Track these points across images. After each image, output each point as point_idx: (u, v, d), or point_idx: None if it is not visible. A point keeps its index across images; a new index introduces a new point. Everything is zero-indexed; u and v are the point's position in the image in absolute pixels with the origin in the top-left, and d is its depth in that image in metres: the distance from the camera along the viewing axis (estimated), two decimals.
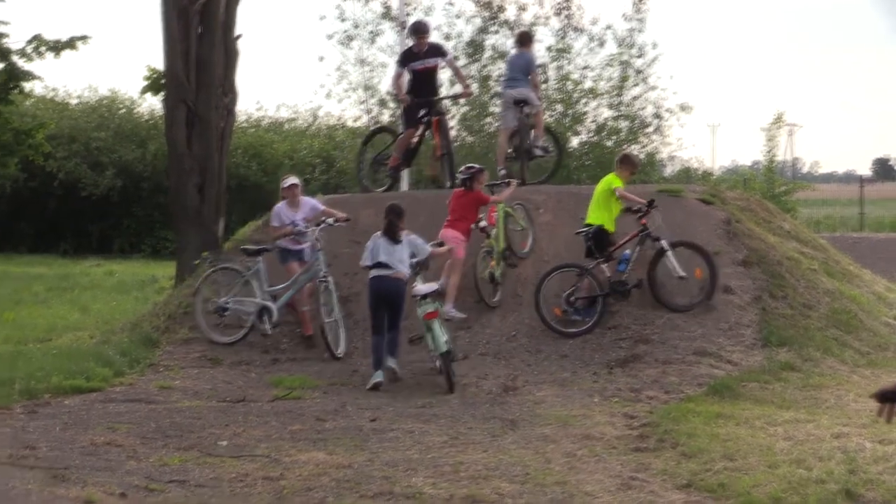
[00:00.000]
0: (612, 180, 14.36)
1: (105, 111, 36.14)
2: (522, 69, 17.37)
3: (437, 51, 17.34)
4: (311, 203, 14.89)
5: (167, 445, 9.28)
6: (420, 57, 16.85)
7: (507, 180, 15.20)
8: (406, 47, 17.96)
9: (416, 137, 17.03)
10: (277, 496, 7.70)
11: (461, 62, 26.69)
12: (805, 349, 13.06)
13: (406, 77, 17.16)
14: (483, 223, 14.36)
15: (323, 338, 13.78)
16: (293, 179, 14.98)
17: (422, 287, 12.65)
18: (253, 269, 14.24)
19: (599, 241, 14.16)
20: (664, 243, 14.03)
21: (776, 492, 7.57)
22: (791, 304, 14.07)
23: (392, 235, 12.75)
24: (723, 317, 13.76)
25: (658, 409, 10.73)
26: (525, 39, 17.93)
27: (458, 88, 20.70)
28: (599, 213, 14.29)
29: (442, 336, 12.20)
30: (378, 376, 12.35)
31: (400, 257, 12.69)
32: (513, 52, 17.41)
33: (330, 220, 14.46)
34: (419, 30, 17.18)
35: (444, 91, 18.76)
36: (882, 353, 13.47)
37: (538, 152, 17.23)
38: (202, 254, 16.27)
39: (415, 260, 12.87)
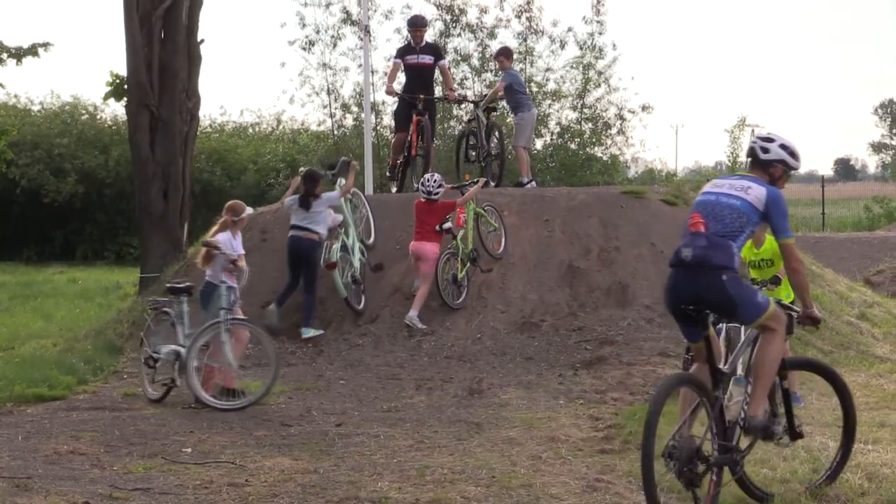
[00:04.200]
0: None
1: (67, 117, 35.98)
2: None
3: (434, 50, 17.38)
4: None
5: (131, 453, 9.23)
6: (415, 52, 16.87)
7: (475, 180, 15.20)
8: (406, 41, 18.01)
9: (410, 137, 16.92)
10: (243, 502, 7.66)
11: None
12: None
13: (400, 70, 17.19)
14: (448, 224, 14.34)
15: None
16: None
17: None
18: (177, 310, 11.97)
19: None
20: None
21: (740, 492, 7.59)
22: None
23: (304, 202, 14.19)
24: None
25: (623, 410, 10.74)
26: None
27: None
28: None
29: (341, 283, 14.32)
30: (273, 309, 14.01)
31: (314, 219, 14.17)
32: (512, 69, 17.48)
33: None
34: (415, 23, 17.27)
35: (438, 93, 18.58)
36: (844, 351, 13.56)
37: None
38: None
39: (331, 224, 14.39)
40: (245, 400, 11.33)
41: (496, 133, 17.04)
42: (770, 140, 7.41)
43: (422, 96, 16.67)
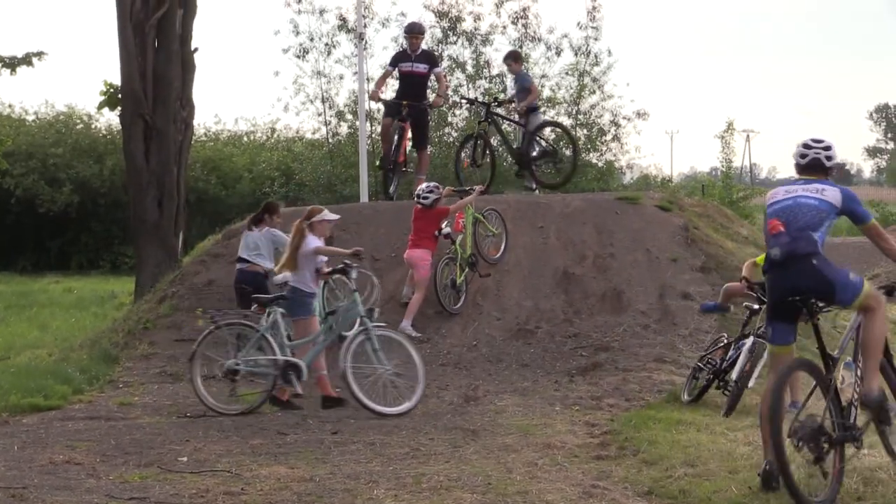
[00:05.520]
0: None
1: (62, 127, 36.02)
2: None
3: (429, 58, 17.31)
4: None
5: (127, 462, 9.21)
6: (410, 59, 16.84)
7: (472, 187, 15.22)
8: (402, 48, 17.97)
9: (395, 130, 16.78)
10: None
11: None
12: None
13: (392, 76, 17.20)
14: (447, 230, 14.33)
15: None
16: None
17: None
18: (270, 320, 11.77)
19: None
20: None
21: (737, 497, 7.59)
22: None
23: (254, 224, 13.90)
24: (682, 323, 13.83)
25: (619, 416, 10.75)
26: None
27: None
28: None
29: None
30: None
31: (260, 252, 13.71)
32: (522, 70, 17.48)
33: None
34: (412, 30, 17.23)
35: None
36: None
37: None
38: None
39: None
40: (402, 406, 11.22)
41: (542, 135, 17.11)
42: (828, 148, 7.95)
43: (405, 102, 16.61)
